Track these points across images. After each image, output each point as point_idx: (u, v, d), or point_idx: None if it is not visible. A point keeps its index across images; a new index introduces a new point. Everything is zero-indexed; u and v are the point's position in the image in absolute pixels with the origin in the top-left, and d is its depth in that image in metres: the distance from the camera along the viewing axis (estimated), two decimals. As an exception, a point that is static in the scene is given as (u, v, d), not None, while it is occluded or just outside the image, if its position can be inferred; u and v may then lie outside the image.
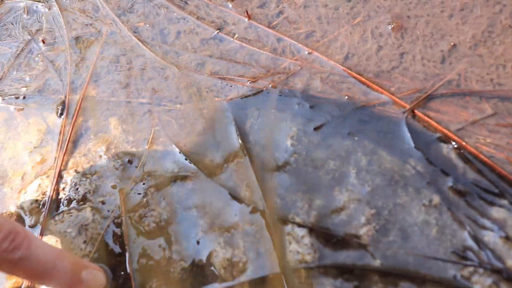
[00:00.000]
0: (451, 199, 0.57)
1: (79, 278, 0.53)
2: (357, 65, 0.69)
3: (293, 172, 0.62)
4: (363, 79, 0.67)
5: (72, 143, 0.73)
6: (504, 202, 0.56)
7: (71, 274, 0.52)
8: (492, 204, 0.56)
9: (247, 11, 0.78)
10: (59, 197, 0.68)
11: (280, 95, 0.69)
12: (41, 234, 0.65)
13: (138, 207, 0.64)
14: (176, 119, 0.71)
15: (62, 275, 0.51)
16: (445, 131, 0.62)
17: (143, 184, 0.66)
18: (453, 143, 0.61)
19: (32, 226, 0.66)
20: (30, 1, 0.90)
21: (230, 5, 0.80)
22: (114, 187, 0.67)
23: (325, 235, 0.58)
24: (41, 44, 0.84)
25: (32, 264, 0.48)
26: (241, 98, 0.70)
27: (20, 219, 0.67)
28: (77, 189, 0.68)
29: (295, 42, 0.73)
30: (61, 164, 0.71)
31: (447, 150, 0.61)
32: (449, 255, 0.54)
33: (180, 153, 0.68)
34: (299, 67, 0.70)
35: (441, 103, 0.64)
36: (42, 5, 0.89)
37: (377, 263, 0.55)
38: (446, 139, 0.62)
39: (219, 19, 0.79)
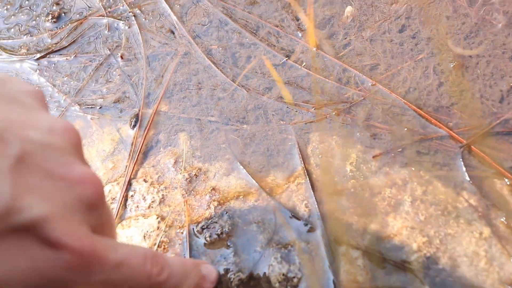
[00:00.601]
0: (501, 233, 0.59)
1: (202, 275, 0.57)
2: (418, 99, 0.71)
3: (351, 196, 0.65)
4: (423, 113, 0.70)
5: (142, 154, 0.77)
6: (553, 240, 0.58)
7: (197, 273, 0.56)
8: (541, 241, 0.58)
9: (316, 41, 0.81)
10: (127, 203, 0.72)
11: (342, 123, 0.72)
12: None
13: (202, 218, 0.68)
14: (242, 138, 0.74)
15: (193, 277, 0.54)
16: (499, 168, 0.64)
17: (208, 197, 0.69)
18: (506, 180, 0.63)
19: (101, 229, 0.70)
20: (112, 19, 0.95)
21: (300, 34, 0.83)
22: (180, 198, 0.71)
23: (377, 258, 0.60)
24: (119, 59, 0.89)
25: (175, 278, 0.49)
26: (305, 123, 0.73)
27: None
28: (145, 197, 0.72)
29: (360, 74, 0.76)
30: (131, 173, 0.75)
31: (500, 186, 0.63)
32: (496, 287, 0.56)
33: (244, 170, 0.71)
34: (362, 98, 0.73)
35: (497, 140, 0.66)
36: (123, 23, 0.94)
37: (426, 288, 0.57)
38: (500, 176, 0.63)
39: (289, 47, 0.82)
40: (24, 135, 0.36)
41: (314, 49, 0.81)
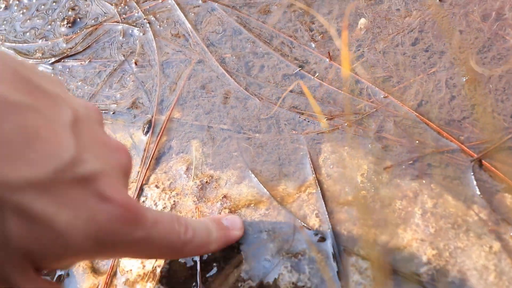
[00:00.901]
0: (511, 247, 0.59)
1: (226, 227, 0.61)
2: (430, 112, 0.72)
3: (361, 207, 0.66)
4: (435, 126, 0.70)
5: (154, 160, 0.77)
6: (562, 255, 0.58)
7: (219, 226, 0.60)
8: (550, 256, 0.58)
9: (329, 52, 0.81)
10: (139, 209, 0.72)
11: (354, 134, 0.72)
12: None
13: (213, 225, 0.68)
14: (254, 147, 0.74)
15: (217, 230, 0.58)
16: (510, 182, 0.64)
17: (220, 204, 0.70)
18: (517, 194, 0.63)
19: (112, 233, 0.70)
20: (127, 25, 0.96)
21: (313, 45, 0.84)
22: (191, 204, 0.71)
23: (387, 269, 0.60)
24: (133, 65, 0.90)
25: (200, 235, 0.53)
26: (317, 133, 0.74)
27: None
28: (156, 203, 0.72)
29: (372, 85, 0.76)
30: (143, 179, 0.75)
31: (511, 200, 0.63)
32: (505, 301, 0.57)
33: (255, 179, 0.71)
34: (374, 109, 0.74)
35: (508, 155, 0.66)
36: (137, 30, 0.95)
37: (435, 300, 0.58)
38: (510, 190, 0.64)
39: (302, 57, 0.83)
40: (71, 104, 0.39)
41: (327, 60, 0.81)
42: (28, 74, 0.36)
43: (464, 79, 0.74)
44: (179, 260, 0.66)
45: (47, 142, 0.34)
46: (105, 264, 0.69)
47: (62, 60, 0.95)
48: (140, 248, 0.44)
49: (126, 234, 0.40)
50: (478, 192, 0.64)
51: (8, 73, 0.35)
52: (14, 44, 1.01)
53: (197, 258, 0.66)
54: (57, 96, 0.38)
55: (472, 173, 0.66)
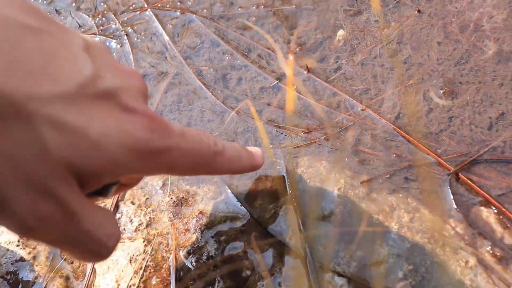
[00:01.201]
0: (487, 262, 0.60)
1: (250, 151, 0.61)
2: (407, 125, 0.73)
3: (338, 222, 0.66)
4: (412, 139, 0.71)
5: (131, 175, 0.78)
6: (538, 270, 0.59)
7: (245, 150, 0.60)
8: (526, 271, 0.59)
9: (307, 65, 0.82)
10: (115, 225, 0.73)
11: (331, 148, 0.73)
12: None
13: (188, 242, 0.69)
14: (231, 161, 0.75)
15: (245, 151, 0.59)
16: (487, 195, 0.65)
17: (195, 221, 0.70)
18: (493, 208, 0.64)
19: (88, 250, 0.70)
20: (104, 37, 0.96)
21: (291, 58, 0.84)
22: (167, 221, 0.71)
23: (363, 286, 0.61)
24: (110, 79, 0.90)
25: (230, 150, 0.54)
26: (294, 147, 0.74)
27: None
28: (132, 220, 0.73)
29: (350, 98, 0.77)
30: (119, 195, 0.75)
31: (487, 214, 0.64)
32: (480, 316, 0.57)
33: (232, 194, 0.72)
34: (352, 123, 0.74)
35: (484, 168, 0.67)
36: (115, 42, 0.95)
37: (410, 317, 0.58)
38: (487, 204, 0.64)
39: (280, 70, 0.83)
40: (80, 34, 0.41)
41: (305, 72, 0.82)
42: (35, 6, 0.38)
43: (442, 91, 0.75)
44: (152, 279, 0.67)
45: (66, 61, 0.36)
46: (79, 283, 0.69)
47: (38, 74, 0.95)
48: (175, 158, 0.44)
49: (157, 142, 0.41)
50: (455, 206, 0.65)
51: (18, 2, 0.36)
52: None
53: (172, 277, 0.66)
54: (65, 26, 0.40)
55: (449, 187, 0.67)
